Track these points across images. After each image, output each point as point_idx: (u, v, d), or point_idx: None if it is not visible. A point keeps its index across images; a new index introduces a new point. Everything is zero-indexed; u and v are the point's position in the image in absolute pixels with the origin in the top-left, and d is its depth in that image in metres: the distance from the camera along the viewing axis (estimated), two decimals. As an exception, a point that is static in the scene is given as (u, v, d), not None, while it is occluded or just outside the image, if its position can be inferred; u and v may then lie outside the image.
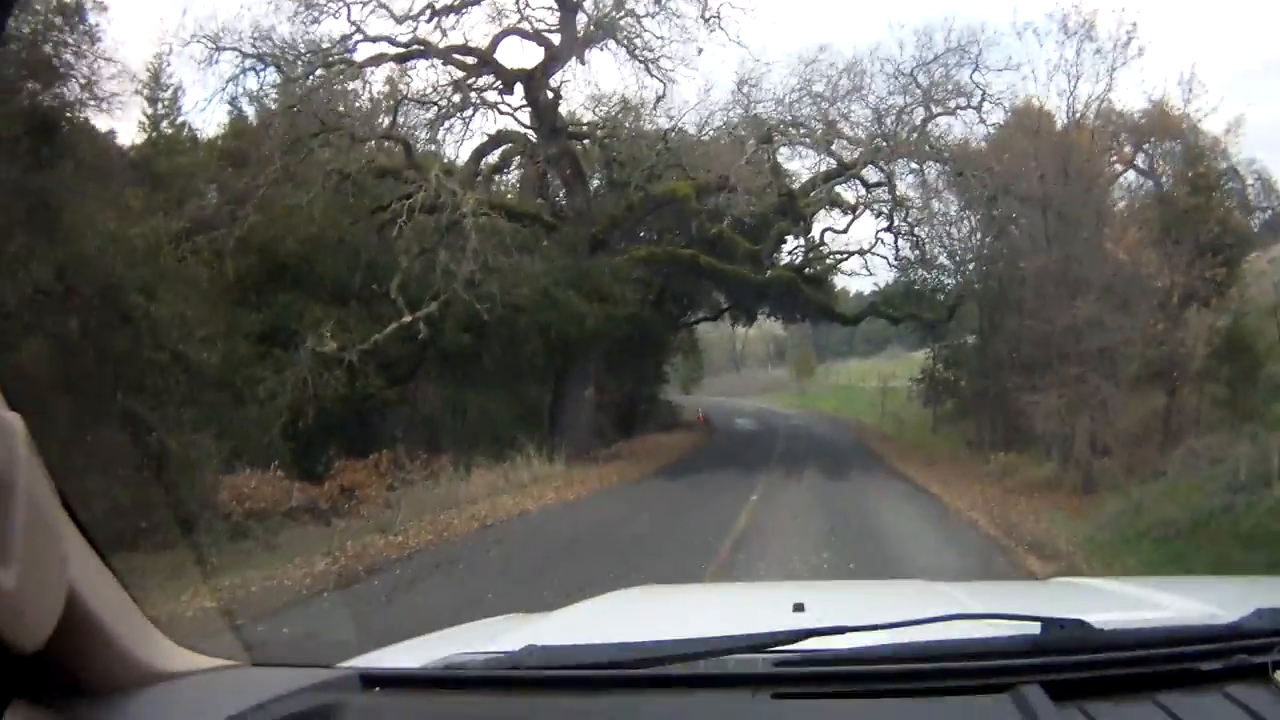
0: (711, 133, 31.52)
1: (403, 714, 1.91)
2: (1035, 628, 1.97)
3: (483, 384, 27.92)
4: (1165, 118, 23.89)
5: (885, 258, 36.75)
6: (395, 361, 24.74)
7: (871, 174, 32.58)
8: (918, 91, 30.74)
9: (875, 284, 41.10)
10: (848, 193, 33.71)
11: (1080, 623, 1.97)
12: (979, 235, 32.67)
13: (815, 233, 35.44)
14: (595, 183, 33.25)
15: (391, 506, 18.51)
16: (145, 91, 28.29)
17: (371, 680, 1.93)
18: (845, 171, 31.39)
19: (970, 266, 33.60)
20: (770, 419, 51.41)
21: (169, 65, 29.02)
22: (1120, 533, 15.47)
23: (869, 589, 5.10)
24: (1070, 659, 1.86)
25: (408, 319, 22.73)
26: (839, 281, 42.06)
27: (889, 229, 33.57)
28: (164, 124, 29.82)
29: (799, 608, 2.51)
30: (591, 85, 43.42)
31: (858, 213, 33.66)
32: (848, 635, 1.99)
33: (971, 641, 1.99)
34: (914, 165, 31.93)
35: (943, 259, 35.77)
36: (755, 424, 48.61)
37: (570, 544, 15.39)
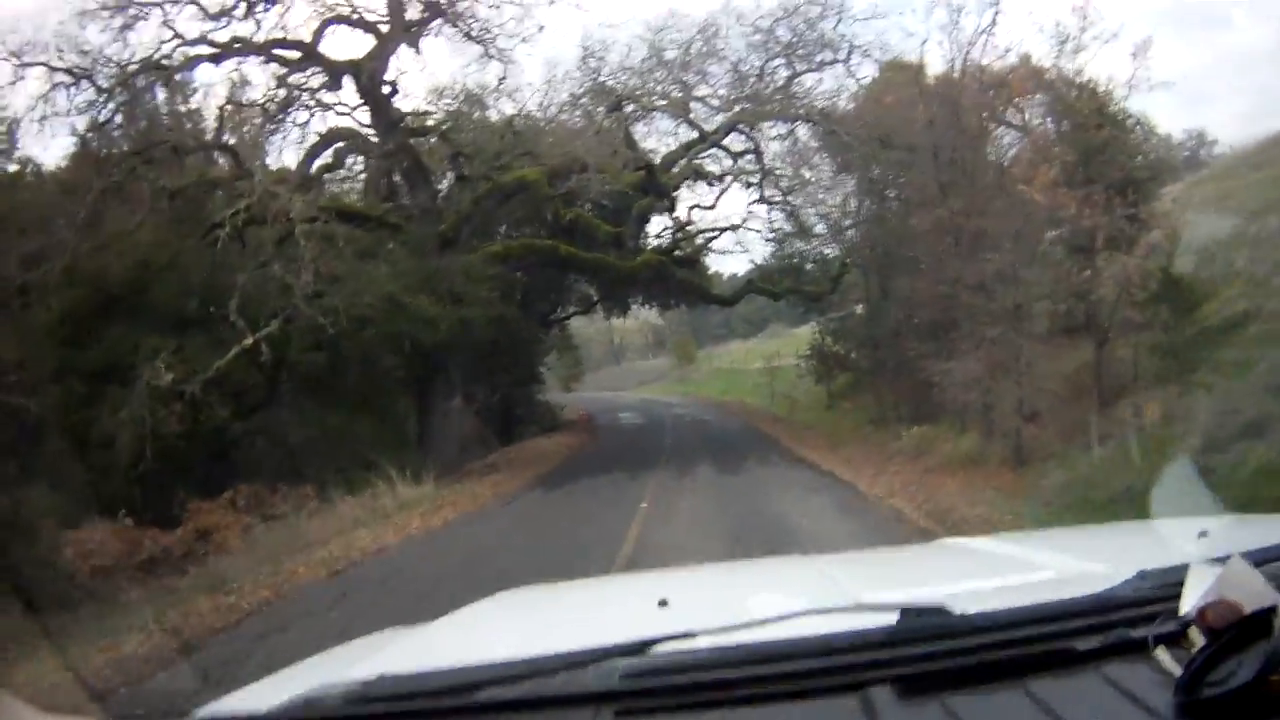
0: (559, 112, 28.72)
1: None
2: (894, 617, 1.86)
3: (344, 404, 25.50)
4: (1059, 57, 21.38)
5: (759, 232, 34.42)
6: (247, 389, 22.76)
7: (736, 142, 29.93)
8: (779, 48, 28.10)
9: (751, 260, 38.99)
10: (712, 165, 31.09)
11: (939, 610, 1.87)
12: (859, 198, 30.22)
13: (682, 212, 32.72)
14: (445, 182, 30.78)
15: (244, 550, 16.41)
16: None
17: None
18: (707, 139, 28.56)
19: (851, 232, 31.12)
20: (655, 410, 48.63)
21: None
22: (1073, 508, 13.11)
23: (741, 573, 4.61)
24: (929, 649, 1.75)
25: (249, 341, 20.53)
26: (712, 263, 40.29)
27: (760, 200, 30.89)
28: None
29: (663, 604, 2.49)
30: (430, 76, 39.94)
31: (724, 185, 31.06)
32: (699, 638, 1.92)
33: (824, 639, 1.86)
34: (781, 129, 29.35)
35: (820, 228, 33.51)
36: (640, 417, 45.78)
37: (430, 589, 12.46)
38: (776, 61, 27.75)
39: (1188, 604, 1.66)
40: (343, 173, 30.30)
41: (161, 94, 25.81)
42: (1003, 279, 18.29)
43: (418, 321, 22.96)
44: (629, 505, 17.87)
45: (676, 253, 32.60)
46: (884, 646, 1.78)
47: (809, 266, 36.22)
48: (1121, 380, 18.38)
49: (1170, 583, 1.81)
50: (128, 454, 18.60)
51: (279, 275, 20.78)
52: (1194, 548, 2.21)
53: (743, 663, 1.81)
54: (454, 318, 23.55)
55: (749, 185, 30.60)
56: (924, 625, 1.83)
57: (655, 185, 27.38)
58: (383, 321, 22.62)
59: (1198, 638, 1.56)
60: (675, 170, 29.10)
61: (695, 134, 28.89)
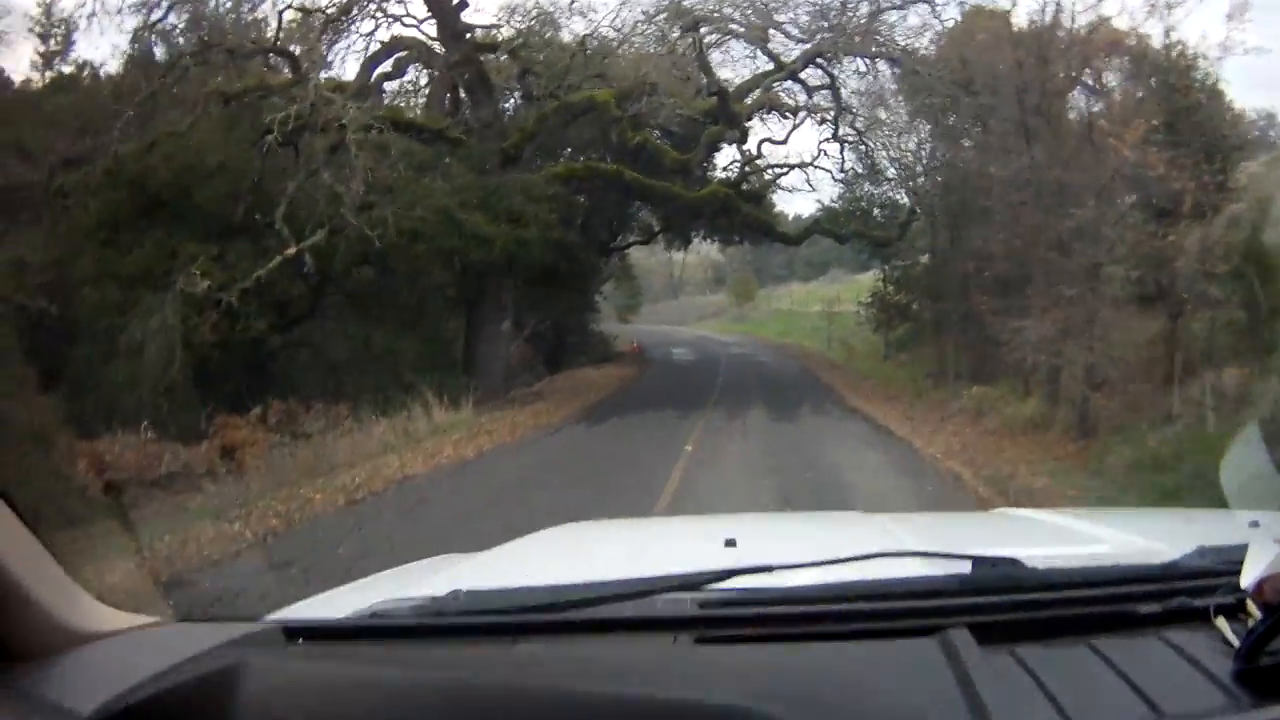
0: (632, 31, 27.50)
1: (325, 665, 1.76)
2: (966, 566, 1.92)
3: (390, 322, 24.77)
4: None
5: (829, 171, 33.20)
6: (290, 301, 21.98)
7: (813, 78, 28.65)
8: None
9: (818, 201, 37.92)
10: (787, 98, 29.69)
11: (1013, 561, 1.95)
12: (933, 144, 29.00)
13: (752, 145, 31.40)
14: (513, 101, 29.94)
15: (265, 470, 15.55)
16: (38, 29, 25.35)
17: (294, 632, 1.85)
18: (784, 69, 27.30)
19: (922, 180, 29.91)
20: (710, 348, 47.47)
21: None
22: (1138, 489, 12.35)
23: (805, 521, 4.90)
24: (1000, 599, 1.80)
25: (292, 251, 19.70)
26: (778, 202, 38.90)
27: (834, 137, 29.63)
28: (58, 62, 26.18)
29: (730, 543, 2.46)
30: None
31: (799, 120, 29.71)
32: (775, 574, 1.93)
33: (899, 581, 1.93)
34: (861, 66, 28.01)
35: (891, 172, 32.31)
36: (694, 354, 44.82)
37: (450, 528, 11.63)
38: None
39: (1248, 578, 1.65)
40: (406, 86, 29.65)
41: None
42: (1082, 236, 17.21)
43: (471, 239, 22.14)
44: (674, 447, 17.04)
45: (744, 186, 31.47)
46: (958, 594, 1.81)
47: (876, 212, 35.15)
48: (1193, 356, 17.34)
49: (1230, 559, 1.80)
50: (156, 363, 17.87)
51: (328, 184, 19.98)
52: (1250, 533, 2.01)
53: (821, 600, 1.83)
54: (510, 237, 22.67)
55: (823, 122, 29.44)
56: (997, 576, 1.88)
57: (727, 113, 26.13)
58: (435, 237, 21.82)
59: (1255, 610, 1.58)
60: (749, 101, 27.81)
61: (771, 65, 27.58)
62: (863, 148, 29.80)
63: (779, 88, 28.23)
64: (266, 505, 13.05)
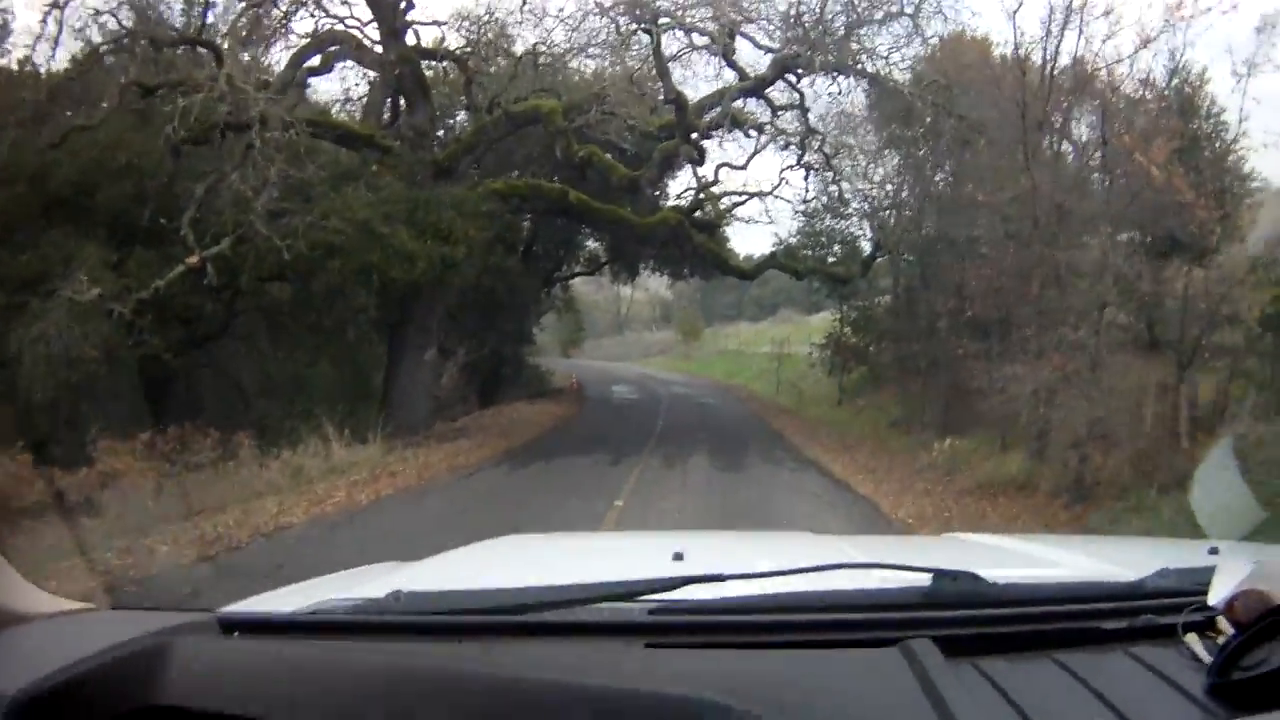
0: (588, 42, 24.75)
1: (261, 659, 1.71)
2: (925, 579, 1.87)
3: (306, 345, 22.61)
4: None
5: (790, 202, 30.86)
6: (198, 317, 19.66)
7: (780, 96, 26.00)
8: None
9: (775, 235, 35.31)
10: (752, 115, 26.98)
11: (973, 576, 1.90)
12: (904, 174, 26.63)
13: (709, 171, 28.80)
14: (460, 116, 27.87)
15: (121, 508, 12.69)
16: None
17: (230, 625, 1.80)
18: (750, 81, 24.58)
19: (890, 214, 27.50)
20: (653, 386, 44.75)
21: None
22: None
23: (753, 539, 4.65)
24: (963, 614, 1.76)
25: (194, 260, 17.44)
26: (732, 236, 36.36)
27: (798, 163, 26.99)
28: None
29: (678, 557, 2.38)
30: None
31: (760, 144, 27.02)
32: (727, 583, 1.86)
33: (858, 592, 1.91)
34: (834, 86, 25.40)
35: (855, 204, 29.94)
36: (635, 392, 41.91)
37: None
38: (838, 3, 23.65)
39: (1217, 595, 1.65)
40: (347, 93, 26.99)
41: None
42: (1085, 271, 14.79)
43: (393, 255, 19.39)
44: (604, 495, 14.60)
45: (698, 214, 28.78)
46: (920, 607, 1.79)
47: (837, 248, 32.74)
48: (1202, 411, 14.94)
49: (1195, 580, 1.80)
50: (35, 378, 15.61)
51: (234, 186, 17.58)
52: (1209, 559, 1.98)
53: (777, 609, 1.77)
54: (435, 255, 19.95)
55: (786, 147, 26.80)
56: (958, 590, 1.84)
57: (684, 126, 23.20)
58: (352, 251, 19.14)
59: (1226, 627, 1.57)
60: (709, 117, 25.10)
61: (736, 76, 24.85)
62: (829, 174, 27.14)
63: (743, 104, 25.44)
64: (102, 555, 10.36)
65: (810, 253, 32.58)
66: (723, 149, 29.08)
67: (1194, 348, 14.68)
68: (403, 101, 24.00)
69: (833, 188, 28.60)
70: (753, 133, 26.15)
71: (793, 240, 33.38)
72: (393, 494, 15.20)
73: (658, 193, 30.08)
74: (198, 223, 17.81)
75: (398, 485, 15.90)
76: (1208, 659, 1.52)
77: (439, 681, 1.50)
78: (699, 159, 25.36)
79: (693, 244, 27.63)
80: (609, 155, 24.24)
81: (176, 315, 18.51)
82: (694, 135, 24.11)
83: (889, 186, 27.83)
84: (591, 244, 38.48)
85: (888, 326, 28.95)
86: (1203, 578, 1.74)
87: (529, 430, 24.96)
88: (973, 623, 1.71)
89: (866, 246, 31.12)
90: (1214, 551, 2.10)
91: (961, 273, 19.98)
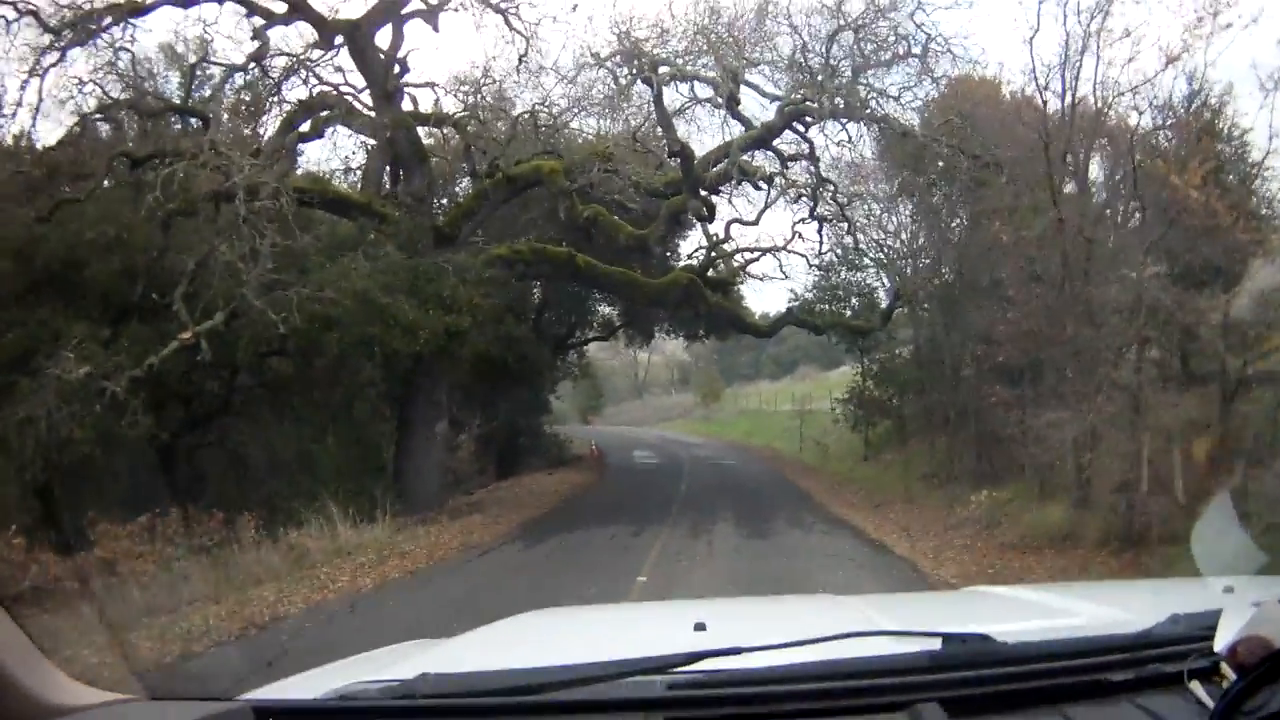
0: (580, 72, 23.96)
1: None
2: (936, 643, 1.91)
3: (311, 421, 21.55)
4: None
5: (804, 256, 29.83)
6: (199, 395, 19.37)
7: (788, 145, 25.26)
8: (848, 36, 23.40)
9: (790, 291, 34.46)
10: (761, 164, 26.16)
11: (983, 637, 1.94)
12: (919, 219, 25.81)
13: (719, 228, 28.01)
14: (463, 185, 27.08)
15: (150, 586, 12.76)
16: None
17: (264, 712, 1.83)
18: (757, 136, 23.80)
19: (906, 262, 26.67)
20: (674, 450, 43.61)
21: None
22: None
23: (774, 605, 4.66)
24: (972, 674, 1.79)
25: (187, 336, 16.56)
26: (747, 294, 35.50)
27: (811, 215, 26.20)
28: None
29: (700, 626, 2.40)
30: (449, 60, 34.20)
31: (771, 197, 26.28)
32: (744, 655, 1.88)
33: (870, 660, 1.89)
34: (843, 133, 24.65)
35: (870, 256, 29.16)
36: (657, 456, 40.94)
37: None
38: (842, 48, 22.93)
39: (1221, 641, 1.68)
40: (341, 160, 26.41)
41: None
42: (1129, 305, 13.91)
43: (393, 327, 18.63)
44: (624, 577, 13.51)
45: (710, 273, 28.00)
46: (929, 671, 1.79)
47: (854, 301, 31.87)
48: (1244, 446, 13.97)
49: (1203, 625, 1.85)
50: (26, 460, 15.00)
51: (225, 258, 16.90)
52: (1224, 599, 2.09)
53: (790, 680, 1.80)
54: (439, 326, 19.17)
55: (798, 199, 26.06)
56: (967, 652, 1.87)
57: (690, 180, 22.49)
58: (351, 324, 18.36)
59: (1230, 672, 1.58)
60: (716, 170, 24.29)
61: (741, 129, 24.05)
62: (842, 225, 26.34)
63: (751, 157, 24.62)
64: (79, 651, 9.41)
65: (828, 307, 31.73)
66: (732, 205, 28.12)
67: (1238, 379, 13.77)
68: (401, 172, 23.34)
69: (847, 239, 27.90)
70: (762, 185, 25.51)
71: (809, 295, 32.56)
72: (400, 577, 14.34)
73: (668, 252, 29.60)
74: (191, 297, 17.17)
75: (406, 567, 15.04)
76: (1211, 705, 1.52)
77: None
78: (708, 215, 24.59)
79: (707, 304, 26.81)
80: (615, 216, 23.51)
81: (174, 393, 18.06)
82: (701, 190, 23.36)
83: (904, 235, 27.06)
84: (604, 309, 37.60)
85: (910, 377, 27.98)
86: (1210, 621, 1.78)
87: (547, 502, 24.11)
88: (982, 682, 1.73)
89: (884, 297, 30.39)
90: (1229, 590, 2.07)
91: (988, 317, 19.15)
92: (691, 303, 26.69)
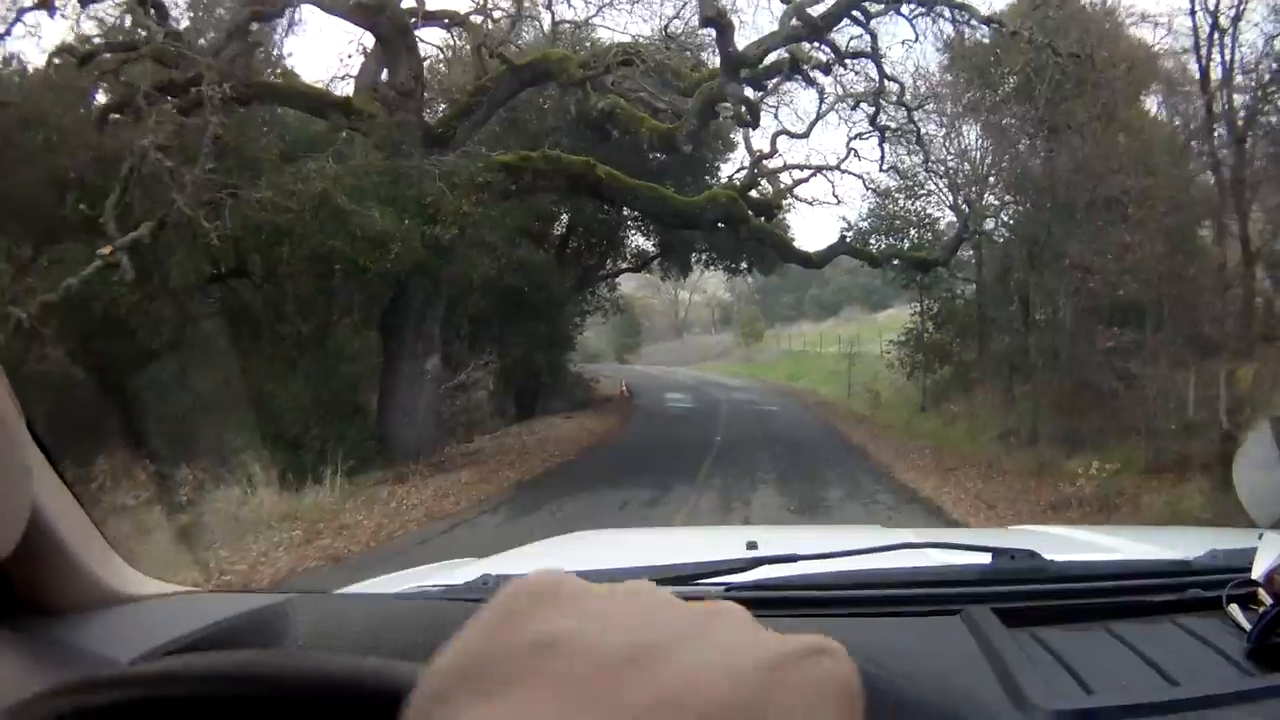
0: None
1: (374, 618, 1.68)
2: (986, 558, 1.93)
3: (281, 357, 18.14)
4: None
5: (861, 178, 25.85)
6: (144, 324, 15.80)
7: (847, 41, 20.94)
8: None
9: (843, 219, 30.43)
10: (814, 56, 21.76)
11: (1031, 554, 1.93)
12: (997, 136, 21.75)
13: (763, 142, 23.95)
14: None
15: None
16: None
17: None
18: (811, 23, 19.33)
19: (978, 186, 22.64)
20: (711, 392, 39.24)
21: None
22: None
23: (824, 530, 4.97)
24: (1021, 588, 1.80)
25: (107, 251, 13.47)
26: (794, 224, 31.43)
27: (871, 124, 22.06)
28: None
29: (752, 545, 2.22)
30: None
31: (824, 105, 22.16)
32: (799, 564, 1.88)
33: (922, 569, 1.97)
34: (908, 28, 20.50)
35: (935, 180, 25.25)
36: (691, 399, 36.60)
37: None
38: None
39: (1259, 569, 1.70)
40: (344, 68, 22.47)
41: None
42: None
43: (359, 240, 14.98)
44: (624, 572, 9.53)
45: (753, 195, 23.98)
46: (979, 582, 1.82)
47: (913, 233, 27.87)
48: None
49: (1243, 559, 1.80)
50: None
51: (154, 162, 13.80)
52: (1265, 535, 1.94)
53: (843, 586, 1.82)
54: (414, 237, 15.44)
55: (856, 105, 21.96)
56: (1016, 566, 1.88)
57: (729, 61, 18.04)
58: (304, 235, 14.82)
59: (1266, 598, 1.61)
60: (763, 65, 19.94)
61: (796, 23, 19.61)
62: (909, 137, 22.23)
63: (804, 42, 20.16)
64: None
65: (885, 238, 27.80)
66: (777, 119, 24.03)
67: None
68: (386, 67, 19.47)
69: (909, 158, 23.83)
70: (816, 79, 21.17)
71: (863, 225, 28.59)
72: (317, 565, 10.38)
73: (705, 160, 25.50)
74: (126, 209, 14.10)
75: (335, 549, 11.07)
76: (1248, 627, 1.54)
77: None
78: (750, 119, 20.25)
79: (749, 227, 22.69)
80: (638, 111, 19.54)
81: (111, 322, 14.76)
82: (742, 73, 18.90)
83: (975, 155, 23.08)
84: (638, 240, 33.93)
85: (974, 319, 24.16)
86: (1249, 557, 1.76)
87: (559, 452, 20.18)
88: (1030, 596, 1.74)
89: (948, 229, 26.46)
90: (1262, 536, 1.88)
91: (1091, 245, 15.24)
92: (732, 225, 22.48)
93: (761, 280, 61.21)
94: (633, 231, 32.60)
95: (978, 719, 1.30)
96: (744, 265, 33.51)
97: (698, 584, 1.79)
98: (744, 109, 19.18)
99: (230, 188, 14.32)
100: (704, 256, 33.81)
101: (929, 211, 27.89)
